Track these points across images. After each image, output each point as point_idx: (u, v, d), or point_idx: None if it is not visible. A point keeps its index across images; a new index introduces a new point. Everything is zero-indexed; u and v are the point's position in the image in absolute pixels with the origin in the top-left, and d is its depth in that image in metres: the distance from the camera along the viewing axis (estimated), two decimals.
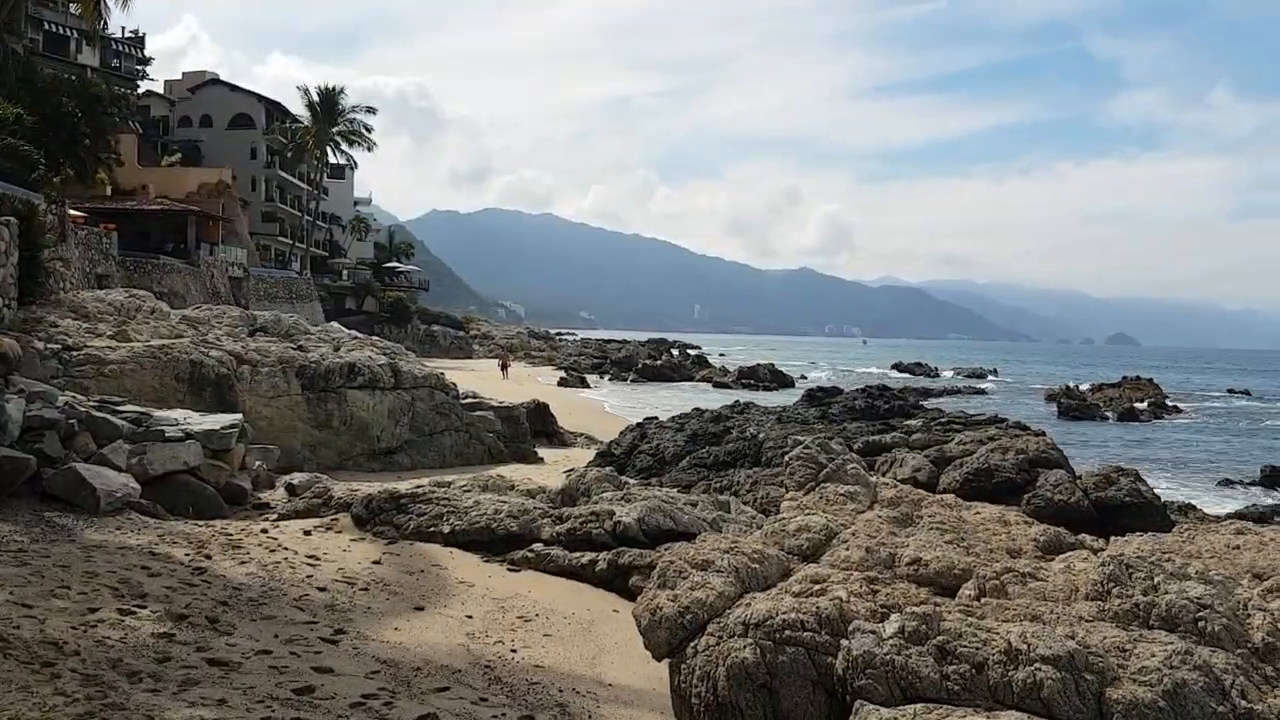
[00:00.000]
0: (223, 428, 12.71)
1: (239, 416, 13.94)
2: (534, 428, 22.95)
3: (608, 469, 14.96)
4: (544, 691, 6.67)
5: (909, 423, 24.65)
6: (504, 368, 52.49)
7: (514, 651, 7.55)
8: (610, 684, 7.17)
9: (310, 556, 9.71)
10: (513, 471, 16.91)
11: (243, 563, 9.08)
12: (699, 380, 63.47)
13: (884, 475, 19.00)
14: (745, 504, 13.83)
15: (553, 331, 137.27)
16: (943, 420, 24.95)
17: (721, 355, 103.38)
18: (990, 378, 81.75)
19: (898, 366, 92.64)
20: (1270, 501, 22.36)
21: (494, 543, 10.81)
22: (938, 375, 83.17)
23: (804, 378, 66.18)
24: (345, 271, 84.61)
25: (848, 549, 5.98)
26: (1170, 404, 55.35)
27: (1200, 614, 5.06)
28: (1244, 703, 4.62)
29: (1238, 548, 6.40)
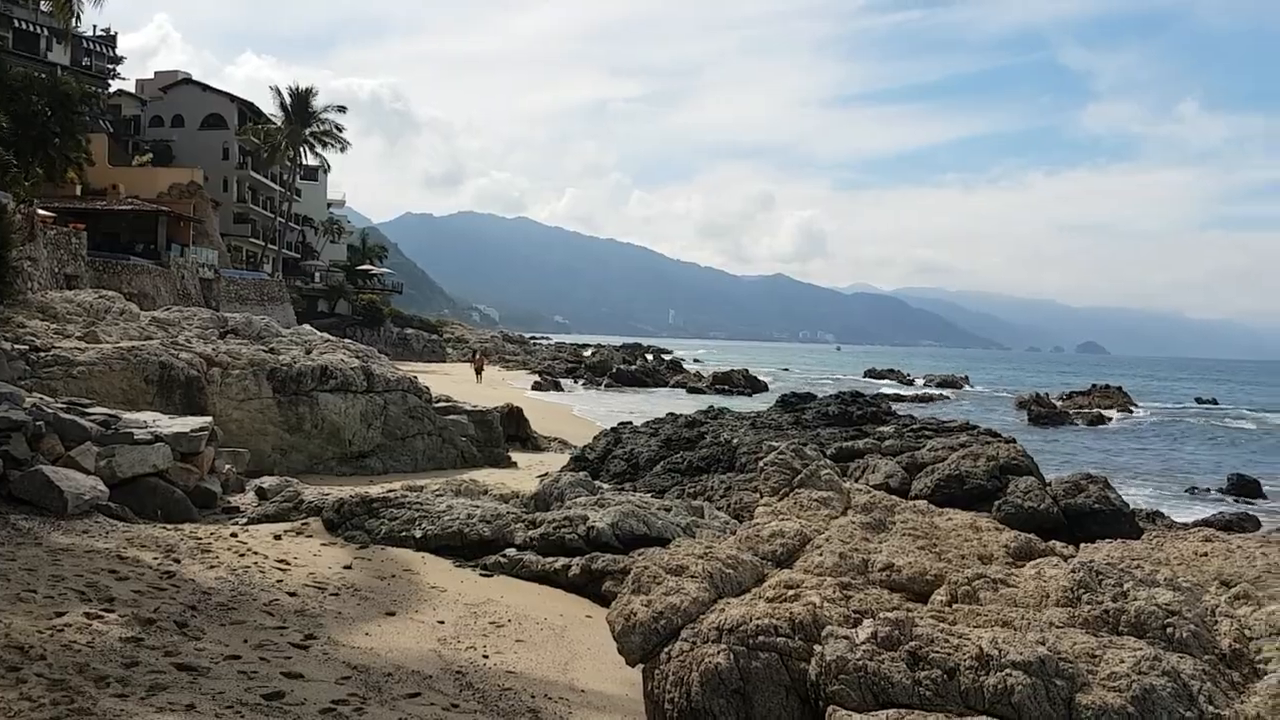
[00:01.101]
0: (192, 431, 12.57)
1: (209, 419, 13.80)
2: (508, 432, 22.89)
3: (582, 474, 14.94)
4: (516, 697, 6.64)
5: (882, 429, 24.80)
6: (478, 371, 52.34)
7: (486, 657, 7.52)
8: (583, 690, 7.15)
9: (280, 561, 9.62)
10: (486, 476, 16.83)
11: (212, 567, 8.99)
12: (673, 385, 63.58)
13: (857, 481, 19.11)
14: (719, 509, 13.86)
15: (527, 336, 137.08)
16: (915, 426, 25.10)
17: (696, 361, 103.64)
18: (964, 385, 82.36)
19: (871, 373, 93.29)
20: (1237, 509, 22.63)
21: (466, 548, 10.75)
22: (911, 382, 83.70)
23: (779, 383, 66.41)
24: (318, 274, 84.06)
25: (821, 555, 6.00)
26: (1139, 412, 56.04)
27: (1169, 620, 5.12)
28: (1211, 709, 4.67)
29: (1205, 555, 6.48)
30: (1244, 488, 25.90)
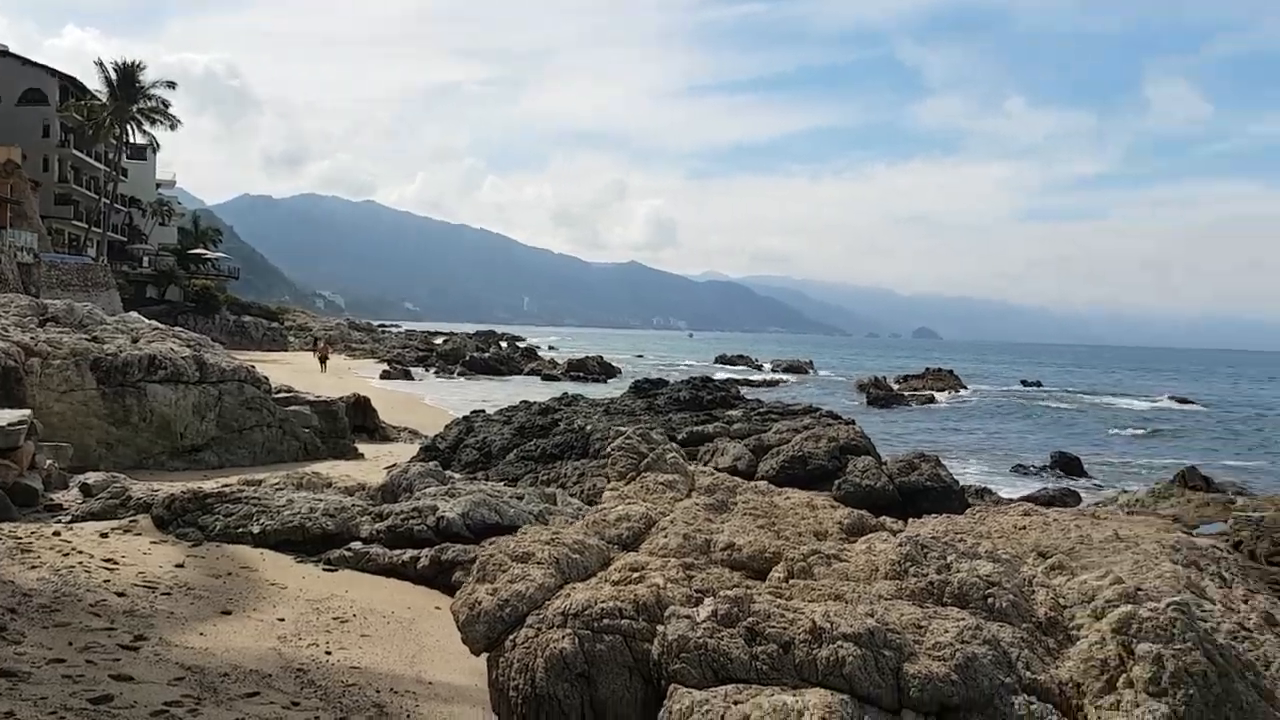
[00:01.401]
0: (10, 424, 11.76)
1: (28, 412, 12.93)
2: (354, 423, 22.27)
3: (432, 464, 14.69)
4: (360, 693, 6.51)
5: (730, 413, 25.37)
6: (322, 360, 50.69)
7: (329, 654, 7.33)
8: (431, 682, 7.06)
9: (107, 560, 9.11)
10: (330, 469, 16.36)
11: (33, 567, 8.45)
12: (528, 373, 63.23)
13: (706, 464, 19.52)
14: (572, 496, 13.88)
15: (375, 323, 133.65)
16: (762, 410, 25.79)
17: (551, 348, 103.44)
18: (809, 370, 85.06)
19: (721, 359, 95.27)
20: (1059, 485, 24.17)
21: (309, 543, 10.43)
22: (760, 367, 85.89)
23: (632, 370, 67.05)
24: (146, 258, 79.58)
25: (666, 537, 6.10)
26: (967, 393, 59.22)
27: (989, 591, 5.44)
28: (1029, 674, 4.99)
29: (1024, 528, 6.91)
30: (1066, 465, 27.59)
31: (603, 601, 5.09)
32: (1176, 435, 41.44)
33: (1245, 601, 6.76)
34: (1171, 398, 63.99)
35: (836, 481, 18.46)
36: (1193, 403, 61.12)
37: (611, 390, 43.57)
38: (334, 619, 8.26)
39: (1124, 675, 4.89)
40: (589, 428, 19.31)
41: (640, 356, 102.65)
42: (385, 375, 51.70)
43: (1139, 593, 5.41)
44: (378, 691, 6.58)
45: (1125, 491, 21.71)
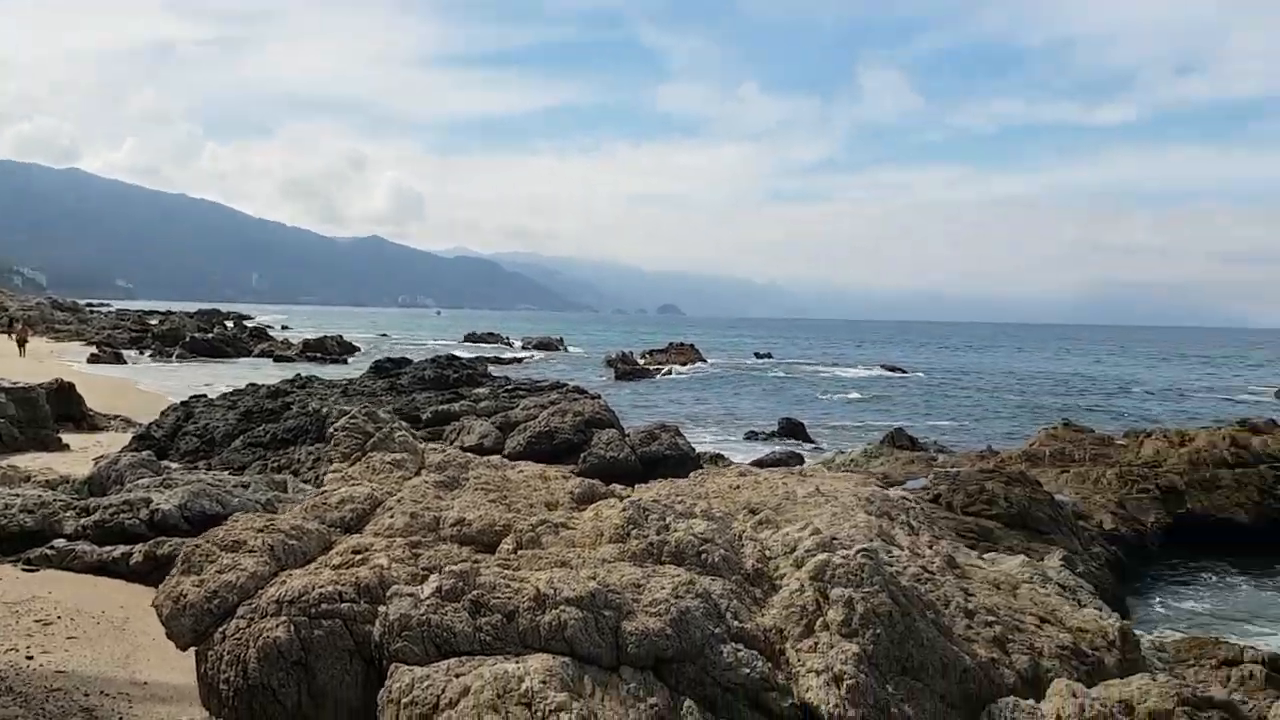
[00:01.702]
0: None
1: None
2: (57, 411, 20.33)
3: (145, 453, 13.66)
4: (67, 697, 6.08)
5: (478, 391, 25.28)
6: (21, 344, 45.74)
7: (30, 658, 6.78)
8: (145, 682, 6.68)
9: None
10: (30, 461, 14.91)
11: None
12: (258, 355, 59.88)
13: (453, 443, 19.34)
14: (305, 482, 13.35)
15: (82, 302, 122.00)
16: (509, 387, 25.88)
17: (285, 328, 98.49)
18: (560, 347, 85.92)
19: (471, 337, 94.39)
20: (785, 448, 25.81)
21: (5, 541, 9.52)
22: (509, 345, 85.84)
23: (376, 350, 65.08)
24: None
25: (392, 516, 6.03)
26: (707, 365, 62.03)
27: (703, 548, 5.77)
28: (736, 623, 5.35)
29: (738, 488, 7.37)
30: (792, 430, 29.49)
31: (321, 586, 4.97)
32: (888, 400, 45.31)
33: (930, 547, 7.55)
34: (884, 366, 69.80)
35: (582, 455, 18.87)
36: (902, 370, 66.97)
37: (351, 371, 42.15)
38: (36, 622, 7.65)
39: (820, 619, 5.35)
40: (325, 410, 18.62)
41: (385, 336, 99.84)
42: (94, 359, 47.38)
43: (834, 542, 5.92)
44: (86, 695, 6.19)
45: (842, 452, 23.46)
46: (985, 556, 8.29)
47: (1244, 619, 13.13)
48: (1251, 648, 9.94)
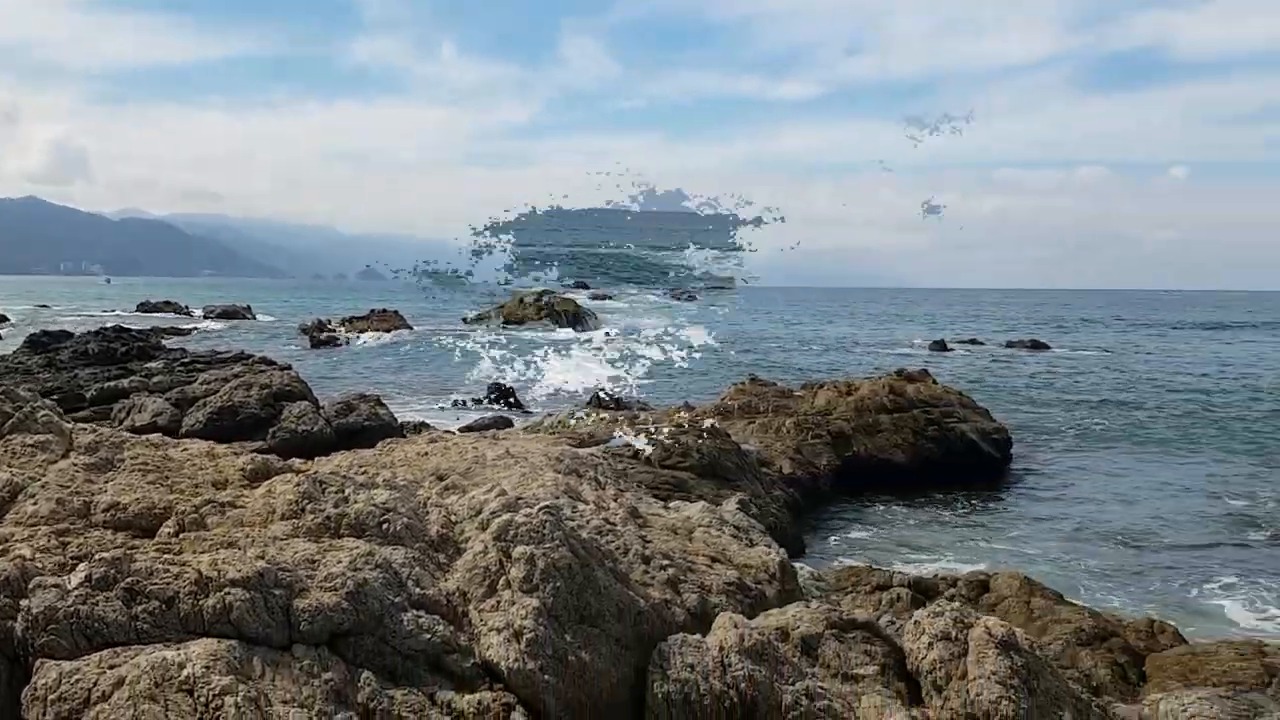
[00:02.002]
0: None
1: None
2: None
3: None
4: None
5: (150, 365, 23.36)
6: None
7: None
8: None
9: None
10: None
11: None
12: None
13: (123, 423, 17.75)
14: None
15: None
16: (186, 361, 24.09)
17: None
18: (248, 315, 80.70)
19: (144, 306, 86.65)
20: (496, 413, 25.86)
21: None
22: (190, 314, 79.57)
23: (31, 324, 58.10)
24: None
25: (36, 503, 5.46)
26: (410, 334, 60.79)
27: (384, 518, 5.69)
28: (419, 590, 5.33)
29: (427, 454, 7.32)
30: (502, 394, 29.55)
31: None
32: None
33: (615, 500, 7.89)
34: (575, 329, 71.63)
35: (271, 429, 17.94)
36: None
37: (1, 348, 37.50)
38: None
39: (503, 578, 5.45)
40: None
41: (44, 307, 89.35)
42: None
43: (519, 501, 6.04)
44: None
45: (550, 414, 23.89)
46: (670, 505, 8.78)
47: (904, 547, 14.87)
48: (900, 572, 11.27)
